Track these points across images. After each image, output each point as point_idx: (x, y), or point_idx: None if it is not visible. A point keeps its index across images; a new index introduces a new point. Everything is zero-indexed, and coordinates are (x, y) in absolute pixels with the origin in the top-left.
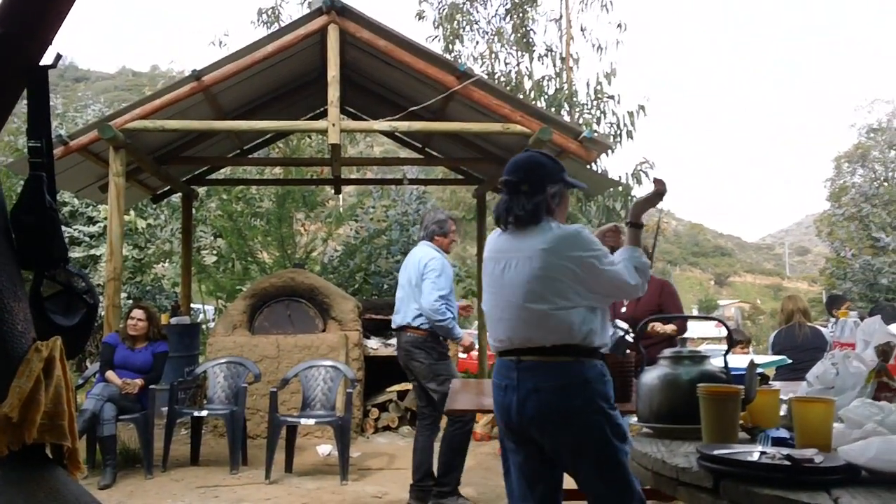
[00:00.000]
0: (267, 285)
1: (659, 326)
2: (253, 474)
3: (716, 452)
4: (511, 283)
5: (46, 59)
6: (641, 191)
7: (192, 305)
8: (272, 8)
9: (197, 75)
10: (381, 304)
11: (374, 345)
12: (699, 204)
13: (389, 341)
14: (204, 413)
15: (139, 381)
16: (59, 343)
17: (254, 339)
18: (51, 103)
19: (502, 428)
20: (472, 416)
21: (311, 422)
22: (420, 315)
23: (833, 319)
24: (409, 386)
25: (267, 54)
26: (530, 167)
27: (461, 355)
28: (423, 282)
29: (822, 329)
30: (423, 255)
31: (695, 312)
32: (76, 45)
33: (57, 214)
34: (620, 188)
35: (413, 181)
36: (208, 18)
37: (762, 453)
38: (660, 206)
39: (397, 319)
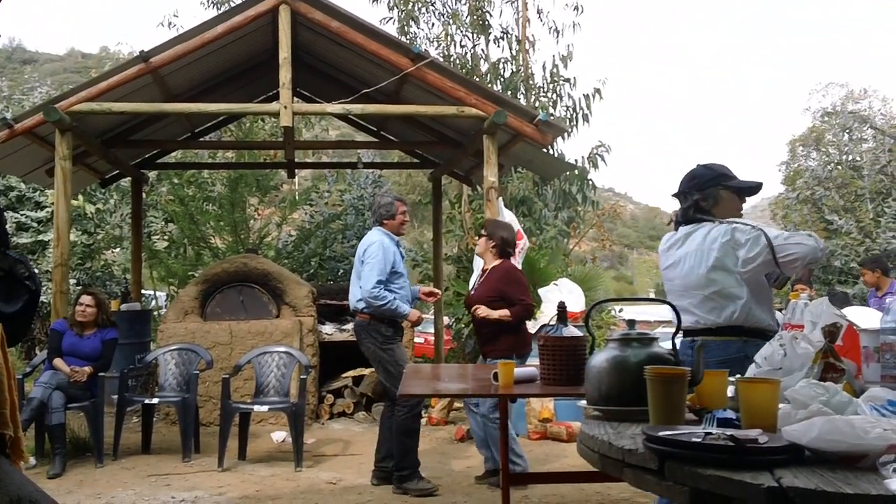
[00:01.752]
0: (219, 271)
1: (483, 311)
2: (206, 462)
3: (661, 434)
4: (682, 273)
5: None
6: (597, 175)
7: (143, 292)
8: None
9: (145, 57)
10: (336, 289)
11: (328, 330)
12: (656, 187)
13: (344, 327)
14: (155, 401)
15: (88, 369)
16: None
17: (206, 325)
18: None
19: None
20: (419, 400)
21: (265, 408)
22: (362, 300)
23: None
24: (364, 371)
25: (217, 35)
26: (684, 179)
27: (417, 340)
28: (362, 268)
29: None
30: (366, 241)
31: (651, 296)
32: (24, 26)
33: None
34: (577, 172)
35: (368, 165)
36: None
37: (707, 434)
38: (617, 189)
39: (351, 303)
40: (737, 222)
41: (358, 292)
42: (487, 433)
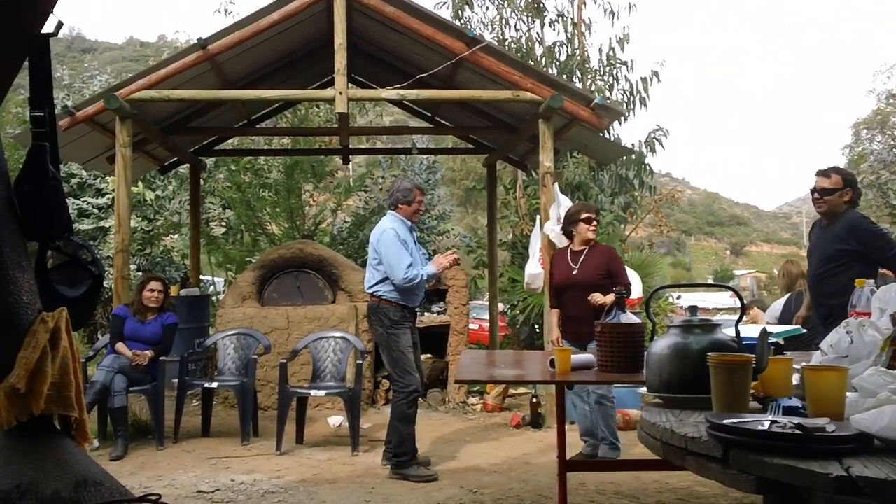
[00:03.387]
0: (276, 256)
1: (599, 298)
2: (264, 445)
3: (725, 422)
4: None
5: (47, 28)
6: (655, 159)
7: (201, 277)
8: None
9: (203, 44)
10: None
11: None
12: (715, 172)
13: None
14: (214, 385)
15: (149, 353)
16: (64, 314)
17: (263, 310)
18: (57, 74)
19: None
20: (415, 388)
21: (322, 393)
22: (379, 283)
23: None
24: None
25: (273, 22)
26: None
27: (472, 326)
28: (385, 258)
29: None
30: (379, 228)
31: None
32: (83, 15)
33: (60, 185)
34: (634, 156)
35: (422, 150)
36: None
37: (773, 422)
38: (675, 175)
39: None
40: None
41: (373, 276)
42: (603, 414)
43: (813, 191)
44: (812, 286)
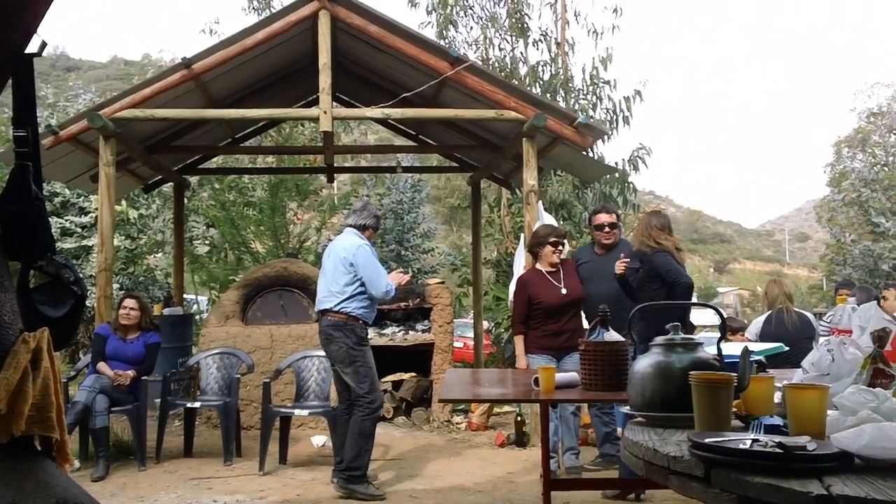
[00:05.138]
0: (260, 275)
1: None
2: (247, 466)
3: (707, 440)
4: None
5: (31, 47)
6: (638, 177)
7: (184, 296)
8: None
9: (187, 63)
10: None
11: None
12: (698, 190)
13: (384, 331)
14: (197, 404)
15: (131, 373)
16: (46, 334)
17: (247, 329)
18: (42, 93)
19: None
20: (379, 404)
21: (305, 413)
22: (348, 299)
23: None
24: (404, 376)
25: (258, 41)
26: None
27: (456, 345)
28: (365, 272)
29: (809, 315)
30: (350, 243)
31: (694, 300)
32: (68, 34)
33: (43, 204)
34: (617, 175)
35: (407, 169)
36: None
37: (754, 441)
38: (659, 192)
39: (319, 304)
40: None
41: (329, 291)
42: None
43: None
44: None
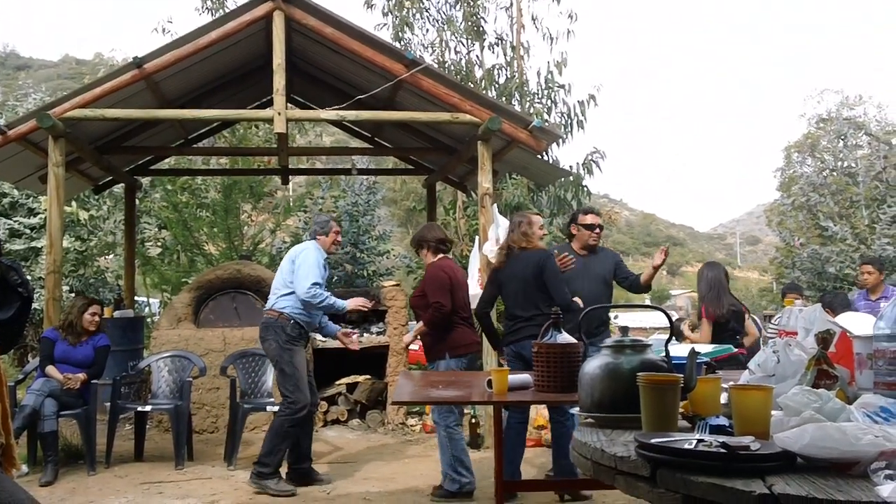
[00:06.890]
0: (213, 277)
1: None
2: (199, 469)
3: (653, 441)
4: None
5: None
6: (592, 181)
7: (136, 298)
8: None
9: (138, 63)
10: None
11: (322, 337)
12: (651, 194)
13: None
14: (148, 408)
15: (81, 376)
16: None
17: (199, 332)
18: None
19: None
20: (302, 406)
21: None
22: (283, 297)
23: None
24: (358, 378)
25: (211, 41)
26: None
27: (412, 347)
28: (297, 271)
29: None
30: (302, 246)
31: (647, 302)
32: (18, 32)
33: None
34: (571, 178)
35: (362, 171)
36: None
37: (699, 441)
38: (613, 196)
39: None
40: None
41: (277, 291)
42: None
43: None
44: None
